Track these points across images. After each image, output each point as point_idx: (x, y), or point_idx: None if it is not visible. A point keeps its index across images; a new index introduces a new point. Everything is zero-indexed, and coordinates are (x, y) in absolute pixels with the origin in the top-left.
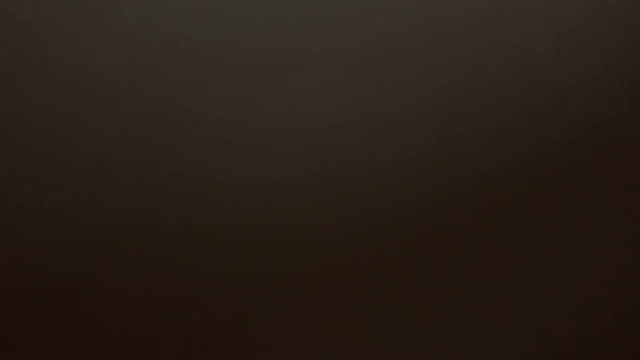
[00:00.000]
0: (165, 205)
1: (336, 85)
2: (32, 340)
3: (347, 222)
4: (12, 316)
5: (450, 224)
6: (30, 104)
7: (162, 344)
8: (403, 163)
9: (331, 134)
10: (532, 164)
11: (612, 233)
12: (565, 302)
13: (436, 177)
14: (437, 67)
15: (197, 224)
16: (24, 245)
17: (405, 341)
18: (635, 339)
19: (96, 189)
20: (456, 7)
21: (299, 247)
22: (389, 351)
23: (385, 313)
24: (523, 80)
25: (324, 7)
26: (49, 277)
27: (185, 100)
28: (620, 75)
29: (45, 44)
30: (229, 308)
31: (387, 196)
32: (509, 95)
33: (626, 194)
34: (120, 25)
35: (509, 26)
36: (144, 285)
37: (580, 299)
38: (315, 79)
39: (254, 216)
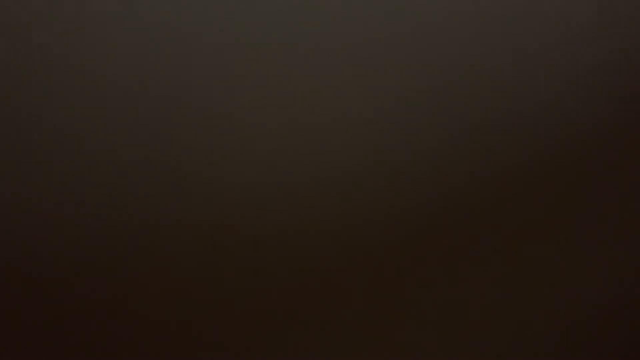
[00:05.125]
0: (167, 204)
1: (337, 85)
2: (31, 340)
3: (349, 222)
4: (10, 316)
5: (451, 223)
6: (33, 103)
7: (163, 344)
8: (404, 162)
9: (331, 133)
10: (531, 163)
11: (612, 232)
12: (565, 301)
13: (436, 177)
14: (437, 67)
15: (198, 223)
16: (24, 244)
17: (407, 340)
18: (635, 339)
19: (100, 187)
20: (456, 6)
21: (300, 246)
22: (390, 350)
23: (385, 312)
24: (522, 80)
25: (327, 7)
26: (50, 276)
27: (186, 101)
28: (620, 75)
29: (48, 42)
30: (230, 307)
31: (388, 196)
32: (508, 95)
33: (626, 194)
34: (124, 24)
35: (508, 26)
36: (146, 284)
37: (580, 298)
38: (315, 79)
39: (255, 215)
